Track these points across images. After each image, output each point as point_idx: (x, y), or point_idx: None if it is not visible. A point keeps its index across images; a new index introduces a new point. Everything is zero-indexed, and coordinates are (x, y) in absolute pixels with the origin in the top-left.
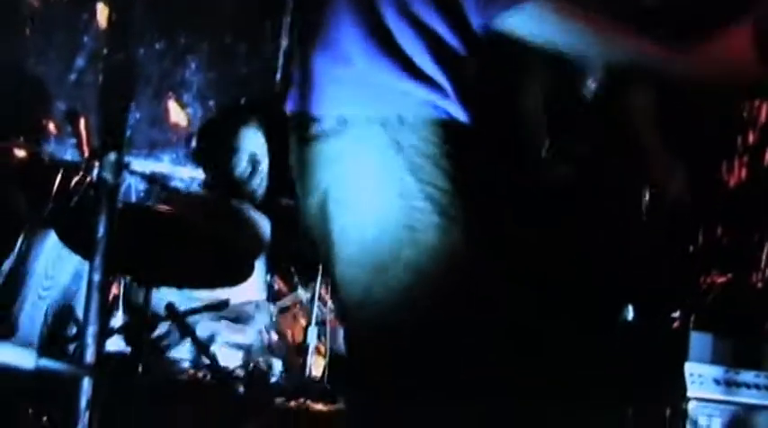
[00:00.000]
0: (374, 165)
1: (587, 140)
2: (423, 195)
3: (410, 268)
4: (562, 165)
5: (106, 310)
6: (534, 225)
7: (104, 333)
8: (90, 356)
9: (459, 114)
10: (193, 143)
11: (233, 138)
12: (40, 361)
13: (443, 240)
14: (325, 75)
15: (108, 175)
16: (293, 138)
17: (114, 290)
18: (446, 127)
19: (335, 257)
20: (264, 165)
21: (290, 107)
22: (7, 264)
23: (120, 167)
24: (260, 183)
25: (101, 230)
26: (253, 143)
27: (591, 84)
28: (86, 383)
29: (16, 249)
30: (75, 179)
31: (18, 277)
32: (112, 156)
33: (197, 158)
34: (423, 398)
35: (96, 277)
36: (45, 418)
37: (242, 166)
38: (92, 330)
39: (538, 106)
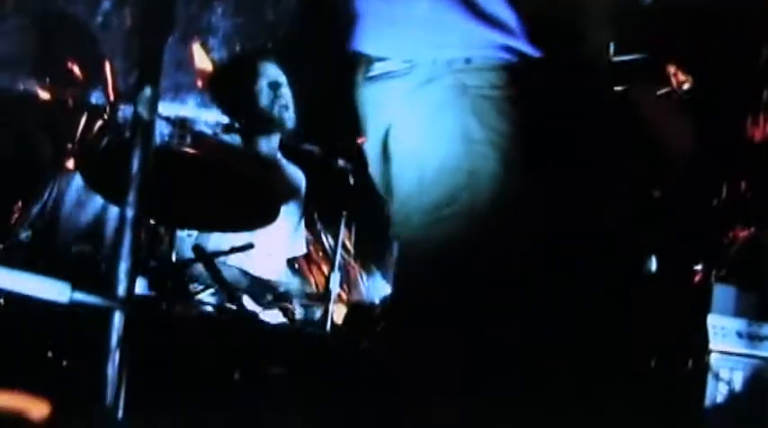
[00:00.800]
0: (438, 107)
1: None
2: (486, 140)
3: (466, 211)
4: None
5: (138, 248)
6: (586, 172)
7: (136, 270)
8: (122, 292)
9: (527, 52)
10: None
11: (251, 71)
12: (75, 294)
13: (502, 186)
14: (379, 14)
15: (143, 111)
16: (353, 78)
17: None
18: (512, 70)
19: (392, 196)
20: (287, 91)
21: (348, 46)
22: (37, 208)
23: (156, 102)
24: (285, 111)
25: (135, 166)
26: (272, 72)
27: None
28: (118, 320)
29: (46, 193)
30: (100, 122)
31: (49, 220)
32: (148, 91)
33: (218, 100)
34: (464, 335)
35: (130, 213)
36: (65, 362)
37: (263, 94)
38: (124, 267)
39: (602, 31)
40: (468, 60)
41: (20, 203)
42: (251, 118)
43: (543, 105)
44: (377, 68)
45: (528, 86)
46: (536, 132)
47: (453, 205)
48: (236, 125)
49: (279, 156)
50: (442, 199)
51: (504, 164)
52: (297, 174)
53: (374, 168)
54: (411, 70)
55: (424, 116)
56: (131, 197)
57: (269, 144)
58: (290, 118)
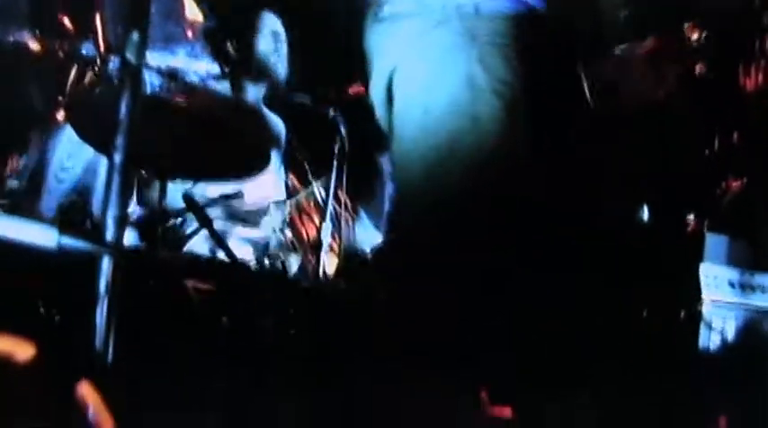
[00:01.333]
0: (446, 51)
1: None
2: (490, 88)
3: (468, 155)
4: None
5: (127, 194)
6: (584, 125)
7: (124, 217)
8: (110, 238)
9: (534, 3)
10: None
11: (253, 18)
12: (62, 238)
13: (504, 134)
14: None
15: (131, 56)
16: (364, 19)
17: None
18: (519, 21)
19: (394, 136)
20: (284, 45)
21: None
22: (26, 159)
23: (144, 48)
24: (280, 62)
25: (123, 111)
26: (273, 22)
27: None
28: (106, 265)
29: (36, 145)
30: (91, 74)
31: (37, 172)
32: (135, 36)
33: (213, 42)
34: (459, 277)
35: (118, 158)
36: (56, 315)
37: (264, 42)
38: (112, 213)
39: None
40: (476, 9)
41: (10, 155)
42: (246, 64)
43: (547, 57)
44: (386, 9)
45: (534, 37)
46: (539, 83)
47: (455, 149)
48: (226, 70)
49: (262, 106)
50: (444, 143)
51: (506, 113)
52: (278, 124)
53: (379, 111)
54: (421, 12)
55: (431, 59)
56: (119, 141)
57: (256, 93)
58: (282, 68)
